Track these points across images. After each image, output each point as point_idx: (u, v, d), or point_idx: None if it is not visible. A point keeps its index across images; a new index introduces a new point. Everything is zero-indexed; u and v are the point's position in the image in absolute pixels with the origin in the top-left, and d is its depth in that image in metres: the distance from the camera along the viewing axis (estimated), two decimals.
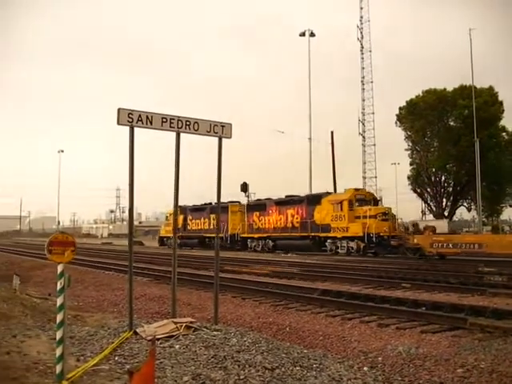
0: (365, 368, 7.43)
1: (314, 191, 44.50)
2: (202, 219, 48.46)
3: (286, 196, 42.03)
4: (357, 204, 35.45)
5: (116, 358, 6.60)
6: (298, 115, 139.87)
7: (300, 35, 54.20)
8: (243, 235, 44.31)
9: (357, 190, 37.88)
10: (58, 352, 5.55)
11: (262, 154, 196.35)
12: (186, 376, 5.89)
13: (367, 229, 32.94)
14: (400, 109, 57.32)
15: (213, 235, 41.47)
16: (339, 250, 35.20)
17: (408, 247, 30.95)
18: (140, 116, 8.28)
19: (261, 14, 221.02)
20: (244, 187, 51.83)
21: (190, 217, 50.98)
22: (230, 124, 9.28)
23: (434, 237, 30.10)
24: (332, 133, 54.01)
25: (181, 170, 8.83)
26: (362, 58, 57.95)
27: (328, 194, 38.68)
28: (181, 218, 48.65)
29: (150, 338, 7.45)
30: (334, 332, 9.95)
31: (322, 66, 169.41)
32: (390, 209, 36.16)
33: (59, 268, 5.69)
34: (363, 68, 57.94)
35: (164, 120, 8.57)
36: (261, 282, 17.69)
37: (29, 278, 21.38)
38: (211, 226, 45.65)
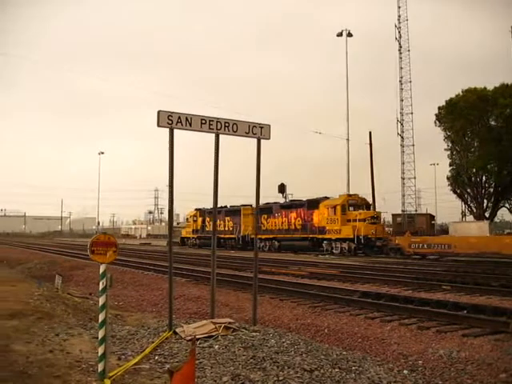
0: (405, 371, 7.34)
1: (352, 192, 44.35)
2: (219, 221, 49.32)
3: (290, 200, 45.30)
4: (351, 208, 39.01)
5: (156, 358, 6.68)
6: (334, 115, 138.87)
7: (337, 35, 53.83)
8: (252, 236, 44.44)
9: (349, 195, 41.11)
10: (100, 351, 5.64)
11: (298, 154, 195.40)
12: (225, 376, 5.91)
13: (357, 231, 36.48)
14: (439, 108, 56.32)
15: (227, 236, 49.71)
16: (334, 251, 38.53)
17: (391, 247, 35.24)
18: (179, 118, 8.35)
19: (296, 13, 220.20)
20: (281, 188, 51.84)
21: (207, 219, 53.36)
22: (269, 125, 9.29)
23: (411, 238, 34.60)
24: (370, 133, 53.53)
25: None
26: (401, 58, 57.22)
27: (326, 198, 41.60)
28: (200, 220, 54.47)
29: (189, 338, 7.51)
30: (373, 334, 9.87)
31: (359, 66, 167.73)
32: (379, 213, 40.50)
33: (101, 268, 5.77)
34: (401, 68, 57.22)
35: (203, 121, 8.63)
36: (298, 283, 17.66)
37: (70, 277, 21.77)
38: (226, 228, 50.19)
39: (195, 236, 56.55)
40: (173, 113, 8.32)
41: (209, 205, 50.46)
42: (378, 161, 53.80)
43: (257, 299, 9.51)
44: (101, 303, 5.74)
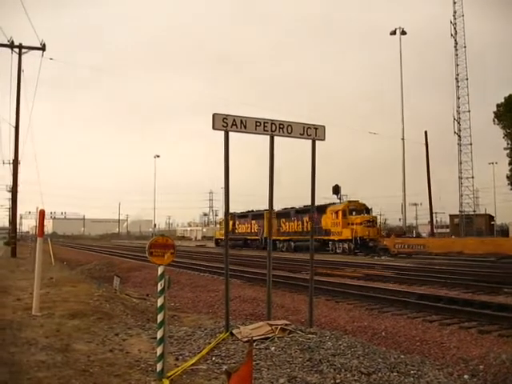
0: (465, 376, 7.17)
1: (409, 191, 44.29)
2: (246, 224, 58.36)
3: (304, 206, 48.30)
4: (354, 213, 44.02)
5: (213, 359, 6.71)
6: (389, 115, 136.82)
7: (391, 34, 53.10)
8: (273, 237, 46.77)
9: (350, 202, 46.96)
10: (159, 351, 5.72)
11: (353, 155, 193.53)
12: (281, 378, 5.90)
13: (354, 233, 41.38)
14: (498, 106, 54.75)
15: (253, 238, 56.23)
16: (337, 250, 43.53)
17: (380, 248, 39.97)
18: (234, 120, 8.39)
19: (345, 13, 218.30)
20: (336, 189, 51.61)
21: (237, 222, 60.02)
22: (323, 126, 9.21)
23: (396, 239, 40.55)
24: (426, 133, 52.69)
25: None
26: (457, 55, 56.05)
27: (332, 204, 46.62)
28: (231, 223, 55.63)
29: (245, 339, 7.53)
30: (431, 338, 9.67)
31: (414, 65, 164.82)
32: (375, 217, 45.99)
33: (159, 270, 5.85)
34: (457, 65, 56.02)
35: (258, 124, 8.64)
36: (354, 285, 17.49)
37: (128, 278, 22.21)
38: (252, 230, 57.01)
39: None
40: (228, 115, 8.37)
41: (257, 206, 57.98)
42: (434, 160, 52.89)
43: (313, 301, 9.45)
44: (159, 304, 5.82)
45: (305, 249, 43.29)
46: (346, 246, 42.69)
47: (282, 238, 51.17)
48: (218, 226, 73.18)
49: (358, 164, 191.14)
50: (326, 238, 44.88)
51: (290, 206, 53.11)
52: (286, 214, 51.98)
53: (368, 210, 45.35)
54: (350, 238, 41.73)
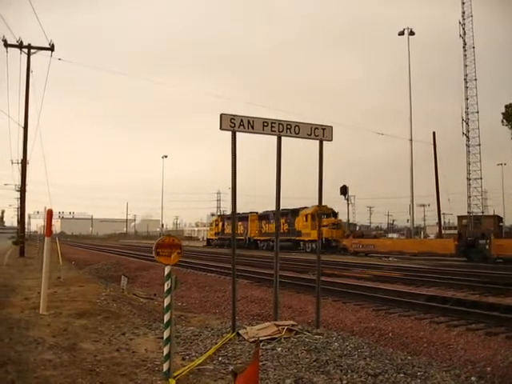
0: (472, 378, 7.13)
1: (417, 192, 44.40)
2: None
3: (282, 209, 47.84)
4: (324, 216, 46.46)
5: (220, 359, 6.72)
6: (396, 115, 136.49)
7: (399, 34, 52.87)
8: (255, 238, 59.27)
9: (318, 206, 45.32)
10: (165, 351, 5.73)
11: (359, 155, 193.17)
12: (288, 379, 5.89)
13: (321, 234, 41.81)
14: (507, 107, 54.39)
15: (238, 238, 52.41)
16: (307, 250, 47.99)
17: (341, 247, 45.38)
18: (242, 121, 8.39)
19: (357, 14, 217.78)
20: (343, 190, 51.81)
21: (226, 223, 65.81)
22: (331, 126, 9.19)
23: (353, 240, 45.38)
24: (434, 134, 52.45)
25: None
26: (465, 55, 55.65)
27: (304, 208, 51.08)
28: (220, 224, 67.93)
29: (252, 339, 7.53)
30: (439, 339, 9.64)
31: (421, 65, 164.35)
32: (340, 220, 52.53)
33: (166, 270, 5.85)
34: (466, 65, 55.67)
35: (265, 124, 8.64)
36: (361, 286, 17.44)
37: (135, 278, 22.27)
38: (238, 231, 58.92)
39: (217, 238, 68.90)
40: (235, 116, 8.37)
41: (262, 207, 62.62)
42: (442, 161, 52.71)
43: (320, 302, 9.43)
44: (166, 304, 5.83)
45: (284, 248, 47.52)
46: (314, 245, 43.89)
47: (262, 238, 57.04)
48: (209, 226, 79.72)
49: (365, 165, 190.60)
50: (298, 238, 50.67)
51: (270, 209, 55.04)
52: (266, 216, 57.17)
53: (335, 214, 51.16)
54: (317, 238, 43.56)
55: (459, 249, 34.41)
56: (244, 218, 59.58)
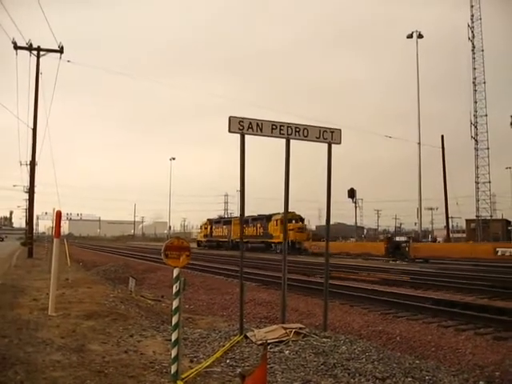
0: (481, 382, 7.12)
1: (425, 196, 44.39)
2: (219, 228, 70.84)
3: (258, 215, 61.69)
4: (294, 221, 52.56)
5: (227, 361, 6.73)
6: (402, 118, 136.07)
7: (407, 37, 52.79)
8: (237, 240, 59.23)
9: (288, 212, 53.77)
10: (173, 353, 5.74)
11: (367, 158, 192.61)
12: (295, 382, 5.90)
13: (288, 237, 47.28)
14: None
15: (224, 240, 67.89)
16: (277, 251, 51.25)
17: (303, 249, 51.60)
18: (250, 123, 8.41)
19: (365, 15, 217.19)
20: (351, 193, 51.84)
21: (214, 227, 73.10)
22: (339, 129, 9.19)
23: (312, 243, 51.80)
24: (442, 137, 52.40)
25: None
26: (474, 58, 55.59)
27: (276, 214, 55.32)
28: (209, 227, 74.24)
29: (260, 342, 7.53)
30: (447, 343, 9.60)
31: (431, 68, 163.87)
32: (305, 225, 60.13)
33: (175, 272, 5.86)
34: (475, 68, 55.58)
35: (274, 127, 8.66)
36: (369, 289, 17.41)
37: (143, 280, 22.30)
38: (223, 234, 68.52)
39: (205, 240, 75.06)
40: (244, 118, 8.39)
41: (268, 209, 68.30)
42: (450, 164, 52.56)
43: (328, 305, 9.42)
44: (174, 306, 5.84)
45: (259, 249, 56.12)
46: (281, 247, 47.30)
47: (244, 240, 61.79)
48: (199, 229, 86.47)
49: (373, 167, 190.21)
50: (270, 241, 57.06)
51: (251, 214, 61.84)
52: (245, 221, 58.61)
53: (302, 219, 57.70)
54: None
55: (388, 250, 42.67)
56: (228, 222, 68.39)
